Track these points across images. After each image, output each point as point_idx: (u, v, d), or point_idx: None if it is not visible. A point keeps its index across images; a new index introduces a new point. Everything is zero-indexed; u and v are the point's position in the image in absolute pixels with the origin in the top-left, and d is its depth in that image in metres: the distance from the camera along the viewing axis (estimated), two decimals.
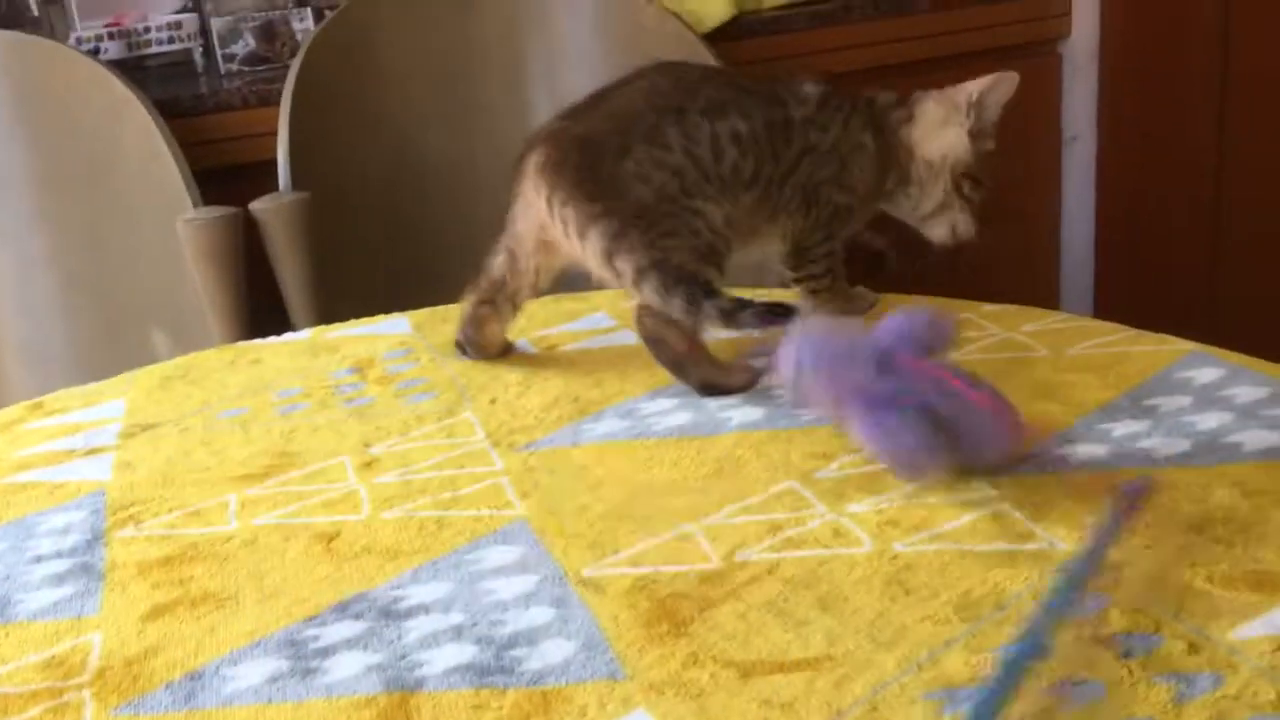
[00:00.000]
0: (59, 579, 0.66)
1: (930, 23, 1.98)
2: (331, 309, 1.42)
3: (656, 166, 0.80)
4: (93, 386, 0.93)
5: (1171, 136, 2.05)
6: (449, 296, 1.10)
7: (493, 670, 0.54)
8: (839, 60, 1.94)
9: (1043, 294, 2.20)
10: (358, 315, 1.03)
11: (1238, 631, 0.52)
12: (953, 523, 0.63)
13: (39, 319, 1.61)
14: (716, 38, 1.80)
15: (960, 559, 0.59)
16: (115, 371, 0.96)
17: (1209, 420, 0.70)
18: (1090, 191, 2.15)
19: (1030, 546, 0.60)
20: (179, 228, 1.45)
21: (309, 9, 1.83)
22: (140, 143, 1.55)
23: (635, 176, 0.80)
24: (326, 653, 0.57)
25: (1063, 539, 0.60)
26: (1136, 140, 2.08)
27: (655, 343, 0.81)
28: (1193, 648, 0.51)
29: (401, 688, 0.54)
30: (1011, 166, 2.25)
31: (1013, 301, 0.91)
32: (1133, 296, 2.13)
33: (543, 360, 0.90)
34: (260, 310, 1.48)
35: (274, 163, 1.51)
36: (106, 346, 1.59)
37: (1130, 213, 2.12)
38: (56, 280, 1.59)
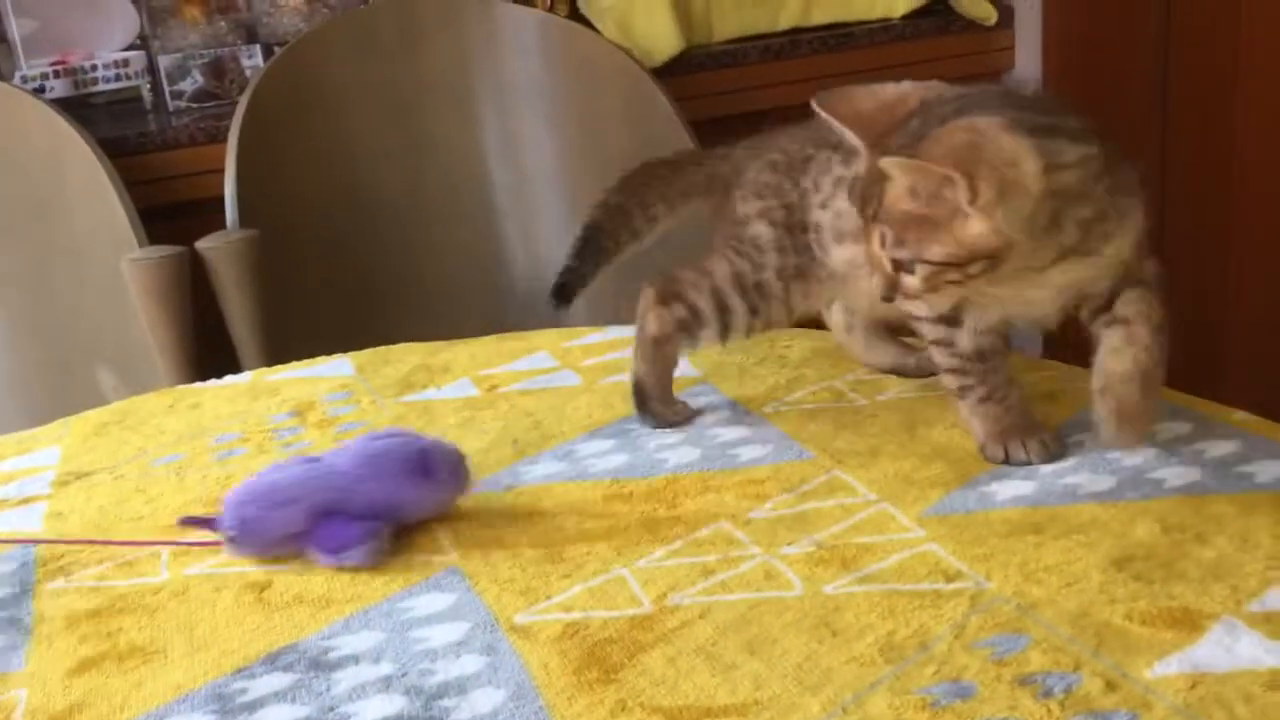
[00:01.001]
0: None
1: (875, 56, 2.01)
2: (280, 347, 1.42)
3: None
4: (27, 434, 0.92)
5: None
6: (399, 332, 1.10)
7: None
8: (788, 94, 1.97)
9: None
10: (307, 353, 1.03)
11: (1155, 669, 0.53)
12: (881, 563, 0.63)
13: None
14: (666, 71, 1.82)
15: (887, 599, 0.60)
16: (62, 410, 0.96)
17: (1132, 457, 0.71)
18: None
19: (955, 585, 0.61)
20: (124, 267, 1.44)
21: (258, 46, 1.83)
22: (85, 181, 1.54)
23: None
24: (254, 706, 0.57)
25: (988, 577, 0.61)
26: None
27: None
28: (1110, 686, 0.52)
29: None
30: None
31: None
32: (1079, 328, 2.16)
33: (482, 401, 0.90)
34: (208, 348, 1.48)
35: (222, 200, 1.51)
36: (53, 384, 1.57)
37: None
38: (3, 319, 1.58)
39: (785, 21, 1.98)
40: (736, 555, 0.65)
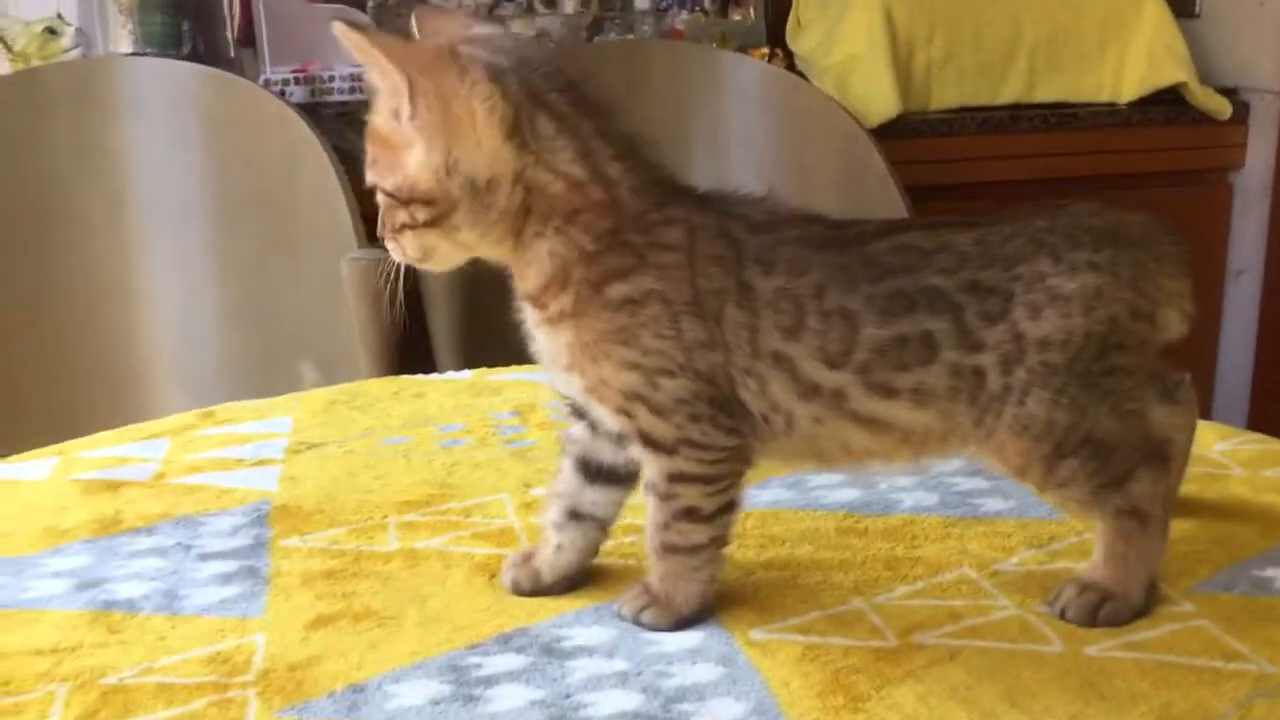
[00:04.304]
0: (225, 578, 0.66)
1: (1098, 139, 1.95)
2: (476, 356, 1.44)
3: None
4: (261, 402, 0.95)
5: None
6: None
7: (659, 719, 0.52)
8: (1004, 169, 1.93)
9: None
10: (503, 363, 1.04)
11: None
12: (1147, 633, 0.59)
13: (196, 341, 1.66)
14: (882, 133, 1.80)
15: (1159, 669, 0.56)
16: (262, 397, 0.98)
17: None
18: (1253, 328, 2.07)
19: (1235, 665, 0.56)
20: (343, 265, 1.49)
21: None
22: (315, 182, 1.60)
23: None
24: (489, 682, 0.56)
25: (1270, 661, 0.56)
26: None
27: None
28: None
29: None
30: None
31: None
32: None
33: None
34: (406, 351, 1.51)
35: None
36: (257, 374, 1.63)
37: None
38: (218, 306, 1.65)
39: (1007, 96, 1.95)
40: (986, 604, 0.62)
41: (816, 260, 0.58)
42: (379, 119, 0.58)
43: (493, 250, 0.60)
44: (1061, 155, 1.95)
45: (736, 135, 1.77)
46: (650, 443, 0.59)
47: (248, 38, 1.92)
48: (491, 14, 2.03)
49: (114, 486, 0.79)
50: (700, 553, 0.60)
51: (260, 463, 0.82)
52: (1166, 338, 0.61)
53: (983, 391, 0.58)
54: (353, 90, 1.90)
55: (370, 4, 1.99)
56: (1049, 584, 0.63)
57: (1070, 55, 1.95)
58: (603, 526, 0.65)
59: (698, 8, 2.11)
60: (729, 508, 0.60)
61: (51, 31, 1.87)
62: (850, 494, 0.76)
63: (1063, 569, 0.65)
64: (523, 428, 0.88)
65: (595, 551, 0.65)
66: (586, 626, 0.61)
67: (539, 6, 2.08)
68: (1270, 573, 0.65)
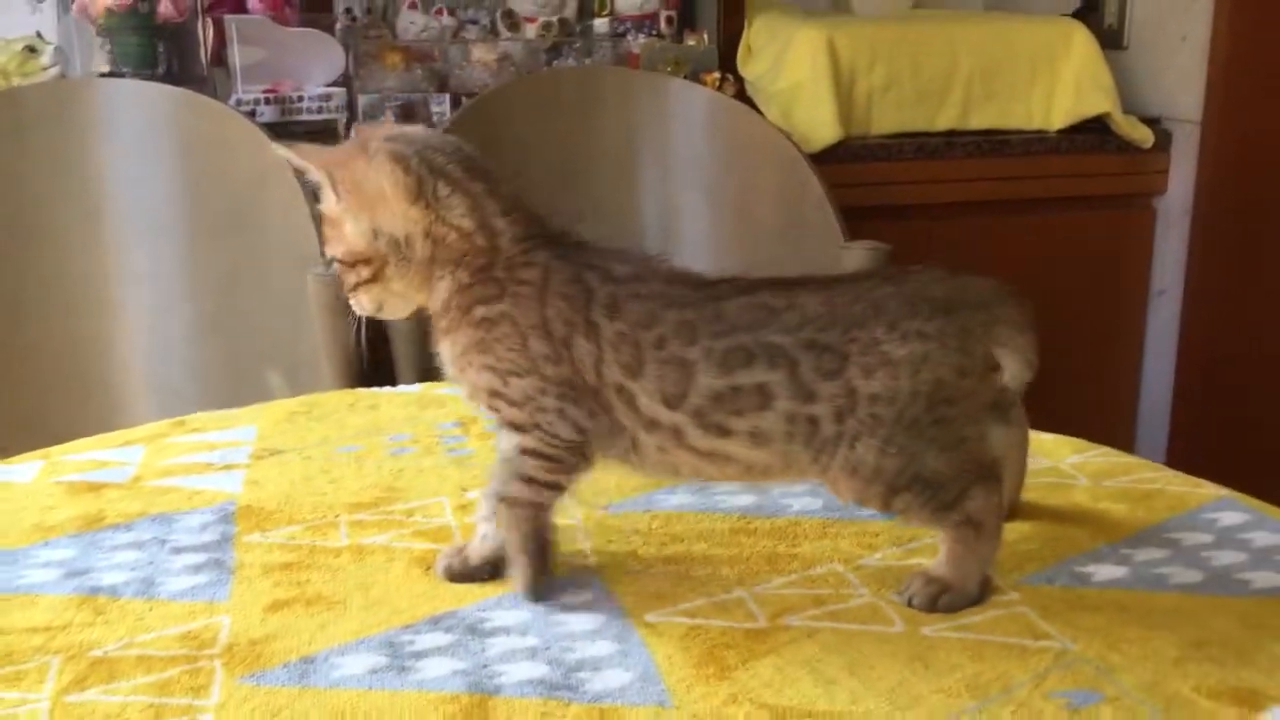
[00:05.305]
0: (195, 569, 0.76)
1: (1028, 165, 2.07)
2: (436, 368, 1.54)
3: None
4: (228, 412, 1.05)
5: (1256, 297, 2.10)
6: None
7: (560, 686, 0.63)
8: (938, 192, 2.05)
9: (1120, 440, 2.25)
10: None
11: None
12: (974, 617, 0.70)
13: (168, 351, 1.74)
14: (824, 157, 1.91)
15: (978, 646, 0.67)
16: (235, 404, 1.08)
17: (1224, 557, 0.77)
18: (1173, 344, 2.20)
19: (1042, 644, 0.67)
20: (309, 281, 1.58)
21: (447, 95, 1.99)
22: (283, 200, 1.69)
23: None
24: (419, 655, 0.66)
25: (1072, 640, 0.67)
26: (1222, 297, 2.13)
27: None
28: None
29: (482, 691, 0.63)
30: (1099, 313, 2.30)
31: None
32: (1206, 448, 2.16)
33: None
34: (370, 363, 1.60)
35: None
36: (226, 383, 1.72)
37: (1209, 367, 2.16)
38: (189, 318, 1.73)
39: (944, 123, 2.06)
40: (846, 593, 0.73)
41: (663, 316, 0.70)
42: (325, 206, 0.73)
43: (418, 295, 0.73)
44: (994, 180, 2.07)
45: (683, 159, 1.88)
46: (512, 425, 0.73)
47: (220, 58, 2.01)
48: (455, 37, 2.13)
49: (96, 488, 0.89)
50: (520, 508, 0.73)
51: (227, 467, 0.92)
52: (1006, 384, 0.71)
53: (817, 436, 0.69)
54: (321, 110, 1.99)
55: (338, 27, 2.09)
56: (904, 576, 0.74)
57: (1003, 85, 2.07)
58: None
59: (654, 33, 2.21)
60: (556, 487, 0.73)
61: (31, 50, 1.95)
62: (746, 500, 0.86)
63: (916, 564, 0.76)
64: (464, 438, 0.99)
65: None
66: (506, 610, 0.71)
67: (502, 30, 2.17)
68: (1090, 569, 0.76)
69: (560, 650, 0.67)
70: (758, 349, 0.69)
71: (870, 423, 0.68)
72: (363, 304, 0.75)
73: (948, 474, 0.69)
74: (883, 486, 0.69)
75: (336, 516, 0.84)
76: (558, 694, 0.62)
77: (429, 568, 0.76)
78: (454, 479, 0.90)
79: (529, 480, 0.73)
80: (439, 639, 0.68)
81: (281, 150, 0.72)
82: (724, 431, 0.69)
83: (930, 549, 0.77)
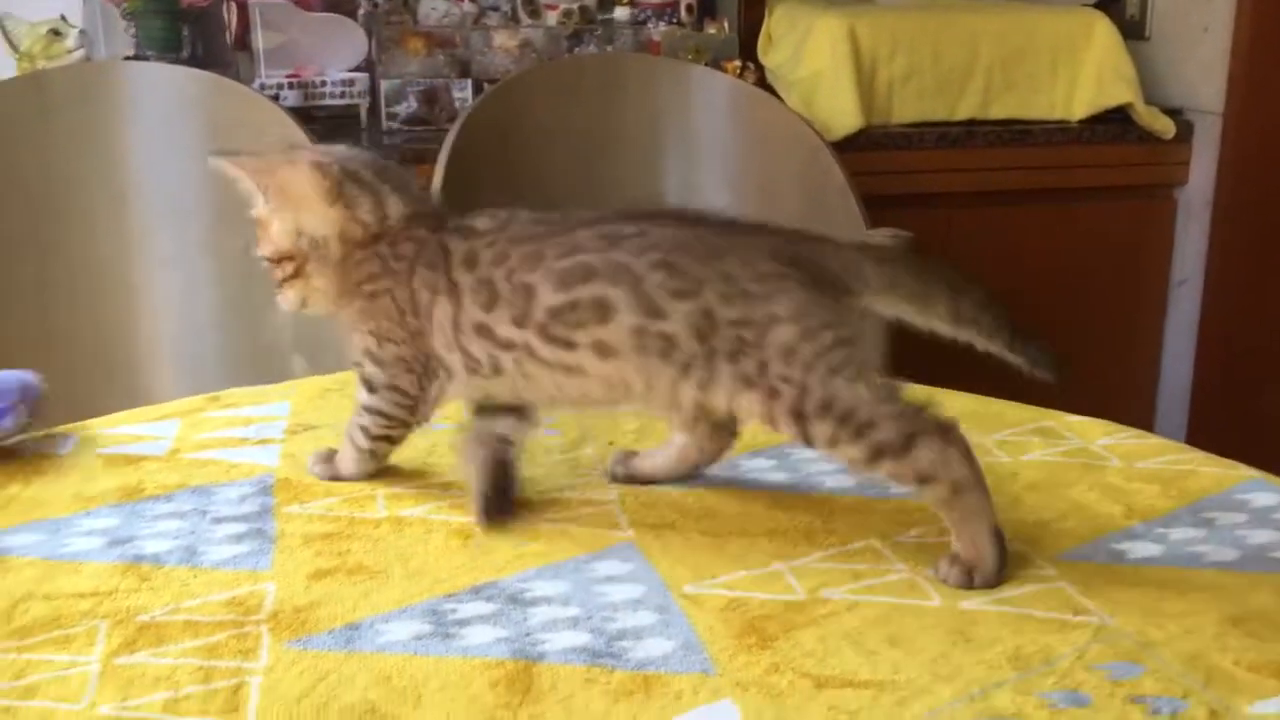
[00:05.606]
0: (237, 538, 0.77)
1: (1049, 155, 2.07)
2: None
3: None
4: (262, 388, 1.06)
5: (1277, 288, 2.10)
6: None
7: (603, 654, 0.64)
8: (959, 181, 2.05)
9: (1140, 425, 2.25)
10: None
11: (1255, 706, 0.59)
12: (1013, 591, 0.71)
13: (194, 333, 1.75)
14: (845, 146, 1.91)
15: (1018, 620, 0.67)
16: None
17: (1259, 536, 0.77)
18: (1193, 335, 2.20)
19: (1081, 618, 0.68)
20: None
21: (469, 81, 2.00)
22: None
23: None
24: (463, 623, 0.67)
25: (1110, 615, 0.68)
26: (1242, 288, 2.13)
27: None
28: (1213, 714, 0.58)
29: (526, 658, 0.63)
30: (1120, 304, 2.29)
31: None
32: (1225, 439, 2.16)
33: None
34: None
35: None
36: (253, 365, 1.72)
37: (1229, 358, 2.16)
38: (217, 302, 1.74)
39: (964, 112, 2.06)
40: (884, 568, 0.73)
41: (514, 252, 0.76)
42: (255, 210, 0.81)
43: (337, 292, 0.81)
44: (1014, 169, 2.07)
45: (705, 146, 1.88)
46: (367, 384, 0.83)
47: (244, 43, 2.02)
48: (477, 23, 2.14)
49: (134, 460, 0.90)
50: (356, 448, 0.85)
51: (263, 441, 0.93)
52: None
53: (676, 351, 0.72)
54: (344, 95, 2.00)
55: (361, 12, 2.10)
56: (939, 552, 0.75)
57: (1024, 75, 2.07)
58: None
59: (674, 21, 2.21)
60: (387, 439, 0.85)
61: (56, 33, 1.96)
62: (780, 476, 0.87)
63: (950, 541, 0.76)
64: None
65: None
66: (547, 581, 0.72)
67: (523, 18, 2.18)
68: (1126, 545, 0.76)
69: (601, 620, 0.67)
70: (601, 265, 0.73)
71: (738, 343, 0.71)
72: (288, 299, 0.83)
73: (864, 406, 0.70)
74: (785, 408, 0.71)
75: (374, 490, 0.84)
76: (601, 661, 0.63)
77: (468, 538, 0.77)
78: None
79: (363, 430, 0.84)
80: (481, 608, 0.69)
81: (215, 161, 0.80)
82: (569, 344, 0.74)
83: None
